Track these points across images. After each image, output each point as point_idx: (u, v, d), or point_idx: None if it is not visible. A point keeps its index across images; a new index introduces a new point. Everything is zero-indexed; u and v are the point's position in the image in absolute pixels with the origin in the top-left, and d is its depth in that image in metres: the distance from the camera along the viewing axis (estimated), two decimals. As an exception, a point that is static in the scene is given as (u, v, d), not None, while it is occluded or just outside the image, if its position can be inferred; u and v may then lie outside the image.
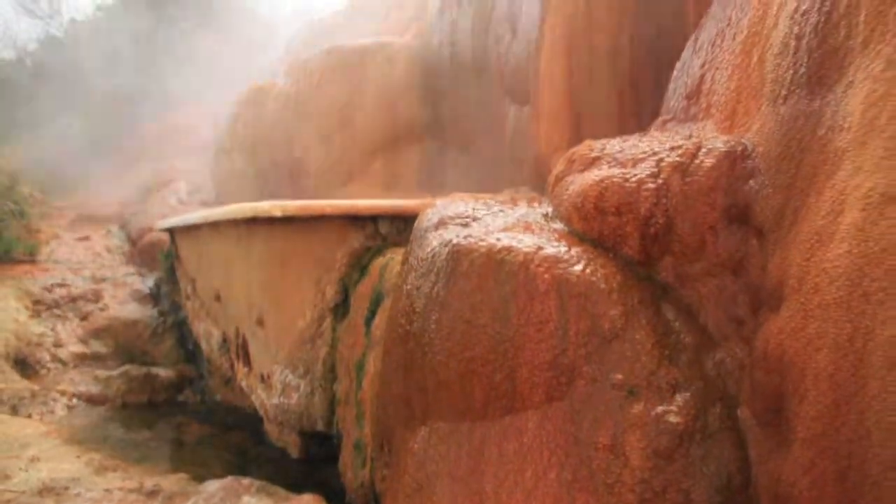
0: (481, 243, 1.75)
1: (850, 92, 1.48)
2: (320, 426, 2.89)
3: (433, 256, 1.85)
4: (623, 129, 2.87)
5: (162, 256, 5.56)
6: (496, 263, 1.69)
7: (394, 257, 2.49)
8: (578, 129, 3.10)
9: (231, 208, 3.40)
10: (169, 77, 10.61)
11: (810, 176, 1.52)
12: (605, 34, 2.89)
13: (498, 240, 1.75)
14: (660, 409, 1.50)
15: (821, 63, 1.58)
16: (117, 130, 10.19)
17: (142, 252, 6.44)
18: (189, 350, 5.16)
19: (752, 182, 1.67)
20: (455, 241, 1.81)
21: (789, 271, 1.48)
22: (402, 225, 2.69)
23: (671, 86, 2.26)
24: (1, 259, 5.85)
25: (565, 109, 3.09)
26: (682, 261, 1.70)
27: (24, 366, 4.71)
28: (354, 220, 2.79)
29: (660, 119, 2.22)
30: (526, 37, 3.50)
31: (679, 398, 1.52)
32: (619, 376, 1.54)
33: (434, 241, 1.89)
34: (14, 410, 4.09)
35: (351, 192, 5.11)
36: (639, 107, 2.83)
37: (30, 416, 4.09)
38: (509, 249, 1.70)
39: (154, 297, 5.64)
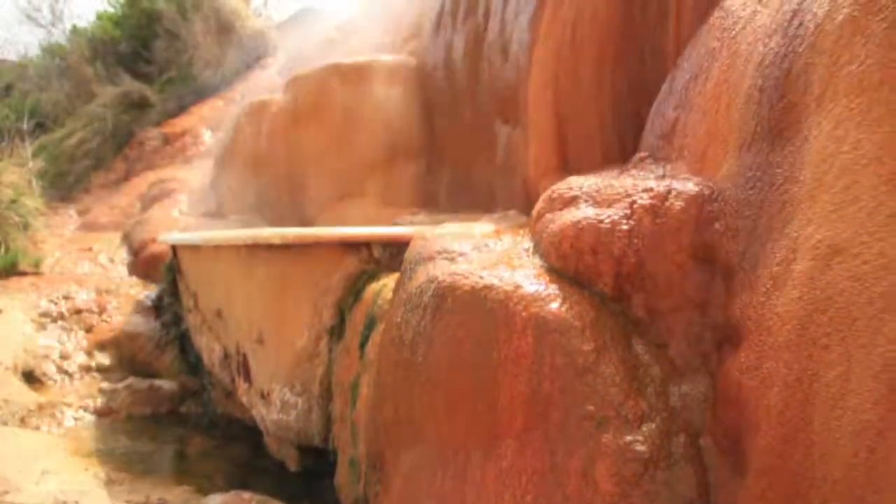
0: (465, 281, 1.88)
1: (805, 147, 1.58)
2: (317, 442, 3.02)
3: (421, 292, 1.98)
4: (606, 155, 2.99)
5: (164, 269, 5.65)
6: (478, 301, 1.82)
7: (387, 283, 2.61)
8: (566, 154, 3.21)
9: (232, 234, 3.52)
10: (171, 86, 10.75)
11: (768, 223, 1.63)
12: (589, 64, 3.00)
13: (481, 277, 1.87)
14: (627, 438, 1.62)
15: (780, 117, 1.68)
16: (119, 138, 10.30)
17: (144, 263, 6.54)
18: (191, 362, 5.24)
19: (717, 224, 1.79)
20: (441, 277, 1.94)
21: (748, 312, 1.60)
22: (394, 250, 2.82)
23: (648, 124, 2.37)
24: (8, 272, 5.96)
25: (552, 135, 3.21)
26: (652, 297, 1.82)
27: (31, 378, 4.82)
28: (349, 245, 2.92)
29: (637, 155, 2.33)
30: (516, 62, 3.62)
31: (645, 428, 1.64)
32: (591, 408, 1.66)
33: (422, 276, 2.02)
34: (23, 423, 4.21)
35: (348, 208, 5.22)
36: (620, 133, 2.95)
37: (38, 428, 4.20)
38: (490, 288, 1.82)
39: (156, 308, 5.74)
